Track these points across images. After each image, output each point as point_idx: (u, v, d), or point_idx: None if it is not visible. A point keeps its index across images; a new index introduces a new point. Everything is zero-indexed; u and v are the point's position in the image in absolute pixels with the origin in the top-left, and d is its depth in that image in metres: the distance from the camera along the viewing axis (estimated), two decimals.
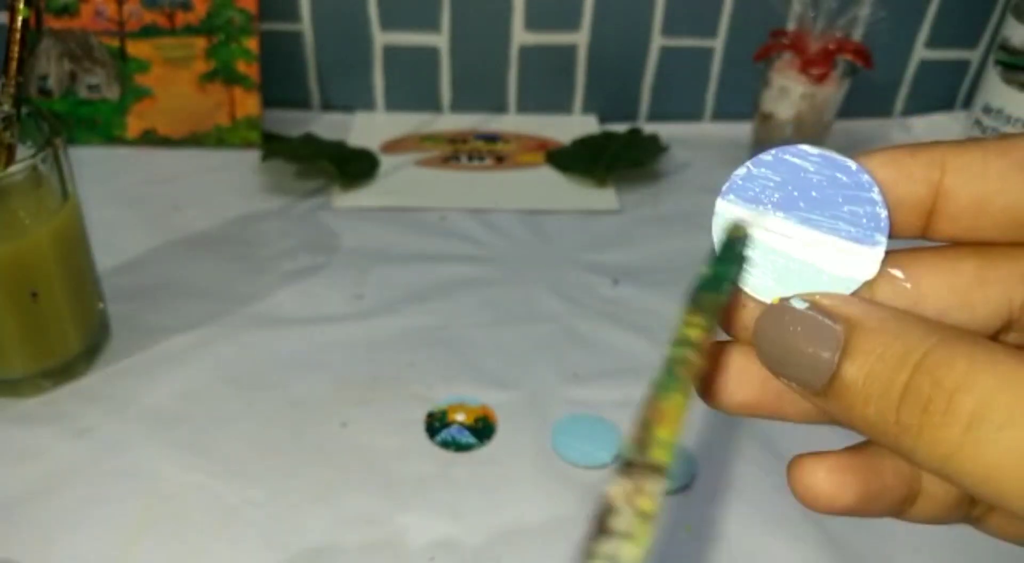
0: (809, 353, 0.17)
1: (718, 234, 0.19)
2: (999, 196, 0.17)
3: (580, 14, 0.69)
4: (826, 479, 0.19)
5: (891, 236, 0.18)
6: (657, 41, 0.71)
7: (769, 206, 0.19)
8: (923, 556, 0.40)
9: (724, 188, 0.19)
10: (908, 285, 0.18)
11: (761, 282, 0.19)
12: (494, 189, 0.65)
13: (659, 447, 0.15)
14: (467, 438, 0.45)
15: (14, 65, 0.41)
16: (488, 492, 0.42)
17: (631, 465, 0.14)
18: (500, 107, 0.73)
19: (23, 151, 0.42)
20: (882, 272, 0.18)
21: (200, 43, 0.64)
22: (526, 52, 0.71)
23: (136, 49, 0.64)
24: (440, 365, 0.49)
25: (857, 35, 0.66)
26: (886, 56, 0.70)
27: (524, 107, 0.73)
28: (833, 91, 0.64)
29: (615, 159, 0.66)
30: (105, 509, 0.41)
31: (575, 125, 0.72)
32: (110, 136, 0.66)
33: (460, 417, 0.46)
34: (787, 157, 0.19)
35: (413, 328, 0.52)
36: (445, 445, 0.44)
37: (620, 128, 0.70)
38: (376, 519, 0.41)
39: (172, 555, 0.39)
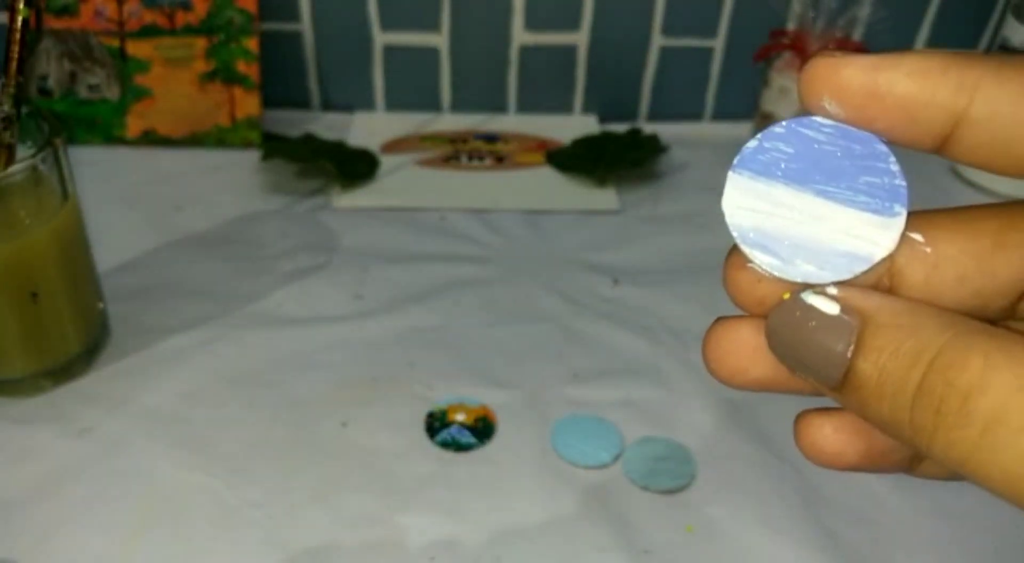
0: (823, 348, 0.17)
1: (728, 210, 0.18)
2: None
3: (580, 14, 0.69)
4: (832, 436, 0.19)
5: (902, 147, 0.17)
6: (657, 41, 0.71)
7: (782, 178, 0.18)
8: (923, 556, 0.40)
9: (735, 161, 0.18)
10: (928, 249, 0.17)
11: (777, 256, 0.18)
12: (494, 189, 0.65)
13: None
14: (467, 438, 0.45)
15: (14, 65, 0.41)
16: (488, 492, 0.42)
17: None
18: (500, 107, 0.73)
19: (23, 151, 0.42)
20: (901, 236, 0.17)
21: (200, 43, 0.64)
22: (526, 52, 0.71)
23: (136, 49, 0.64)
24: (440, 365, 0.49)
25: (857, 35, 0.66)
26: None
27: (524, 107, 0.73)
28: (997, 56, 0.64)
29: (615, 159, 0.66)
30: (105, 509, 0.41)
31: (575, 125, 0.72)
32: (110, 136, 0.66)
33: (460, 417, 0.46)
34: (799, 129, 0.18)
35: (413, 328, 0.52)
36: (445, 445, 0.44)
37: (620, 128, 0.70)
38: (376, 519, 0.41)
39: (172, 555, 0.39)
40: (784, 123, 0.18)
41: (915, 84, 0.16)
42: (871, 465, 0.19)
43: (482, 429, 0.45)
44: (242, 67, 0.65)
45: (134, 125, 0.66)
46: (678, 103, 0.74)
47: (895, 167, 0.17)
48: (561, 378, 0.49)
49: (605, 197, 0.64)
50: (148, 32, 0.64)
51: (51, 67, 0.64)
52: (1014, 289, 0.17)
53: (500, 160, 0.68)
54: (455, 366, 0.49)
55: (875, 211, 0.17)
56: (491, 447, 0.45)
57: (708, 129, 0.73)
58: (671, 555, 0.40)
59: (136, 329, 0.50)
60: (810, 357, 0.17)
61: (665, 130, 0.68)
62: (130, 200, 0.61)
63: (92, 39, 0.64)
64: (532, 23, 0.70)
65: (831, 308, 0.17)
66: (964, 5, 0.71)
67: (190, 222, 0.59)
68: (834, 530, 0.41)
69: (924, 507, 0.42)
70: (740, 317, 0.19)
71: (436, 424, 0.45)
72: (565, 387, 0.48)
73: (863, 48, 0.64)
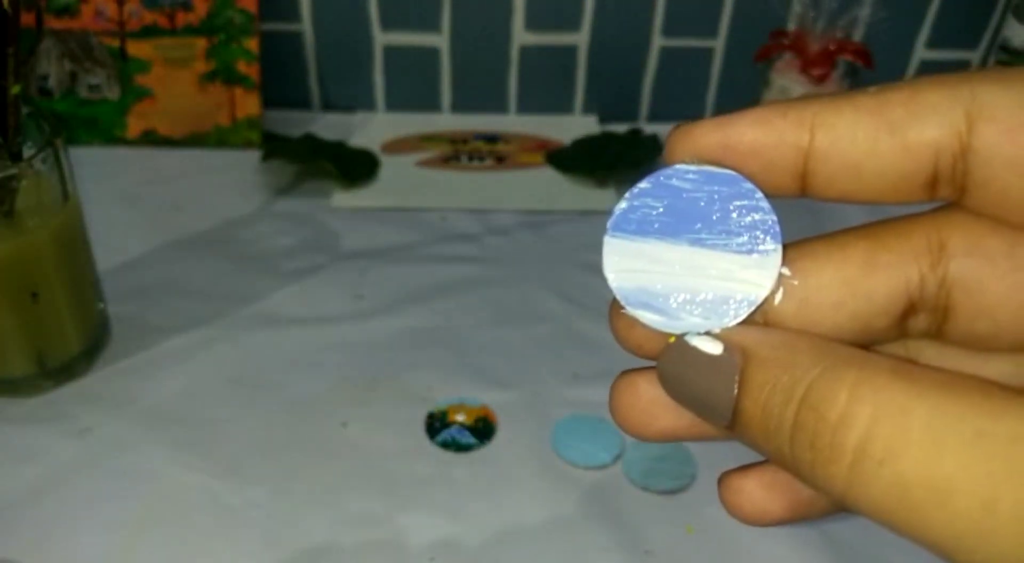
0: (711, 388, 0.17)
1: (609, 274, 0.18)
2: (870, 160, 0.16)
3: (580, 14, 0.69)
4: (754, 494, 0.19)
5: (770, 198, 0.18)
6: (657, 41, 0.71)
7: (656, 234, 0.18)
8: (922, 556, 0.40)
9: (608, 225, 0.18)
10: (795, 282, 0.17)
11: (663, 313, 0.18)
12: (494, 189, 0.65)
13: None
14: (467, 438, 0.45)
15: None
16: (488, 492, 0.42)
17: None
18: (500, 107, 0.73)
19: (23, 151, 0.42)
20: (779, 273, 0.17)
21: (200, 43, 0.64)
22: (526, 52, 0.71)
23: (136, 49, 0.64)
24: (440, 365, 0.49)
25: (858, 35, 0.66)
26: (887, 57, 0.70)
27: (524, 107, 0.73)
28: (834, 91, 0.64)
29: (615, 159, 0.66)
30: (105, 509, 0.41)
31: (575, 125, 0.72)
32: (110, 136, 0.66)
33: (460, 417, 0.46)
34: (666, 181, 0.18)
35: (413, 328, 0.52)
36: (445, 445, 0.44)
37: (620, 128, 0.70)
38: (376, 519, 0.41)
39: (172, 555, 0.39)
40: (650, 177, 0.18)
41: (760, 129, 0.17)
42: (799, 516, 0.19)
43: (482, 429, 0.45)
44: (242, 67, 0.65)
45: (134, 125, 0.66)
46: (678, 103, 0.74)
47: (764, 203, 0.18)
48: (561, 378, 0.49)
49: (605, 197, 0.64)
50: (148, 32, 0.64)
51: (51, 67, 0.64)
52: (892, 309, 0.17)
53: (500, 160, 0.68)
54: (455, 366, 0.49)
55: (750, 251, 0.18)
56: (491, 447, 0.45)
57: None
58: (671, 555, 0.40)
59: (136, 329, 0.50)
60: (702, 398, 0.17)
61: (665, 130, 0.68)
62: (130, 200, 0.61)
63: (92, 39, 0.64)
64: (532, 23, 0.70)
65: (714, 348, 0.17)
66: (964, 5, 0.71)
67: (190, 222, 0.59)
68: (833, 530, 0.41)
69: None
70: (637, 371, 0.19)
71: (436, 424, 0.45)
72: (565, 387, 0.48)
73: (864, 50, 0.64)
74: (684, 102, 0.74)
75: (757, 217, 0.18)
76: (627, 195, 0.18)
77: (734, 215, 0.18)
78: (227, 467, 0.43)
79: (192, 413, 0.46)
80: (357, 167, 0.65)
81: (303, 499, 0.42)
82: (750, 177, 0.18)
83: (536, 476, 0.43)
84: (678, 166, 0.18)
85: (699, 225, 0.18)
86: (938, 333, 0.18)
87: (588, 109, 0.74)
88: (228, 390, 0.47)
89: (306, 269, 0.56)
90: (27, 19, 0.41)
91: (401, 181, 0.65)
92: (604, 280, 0.18)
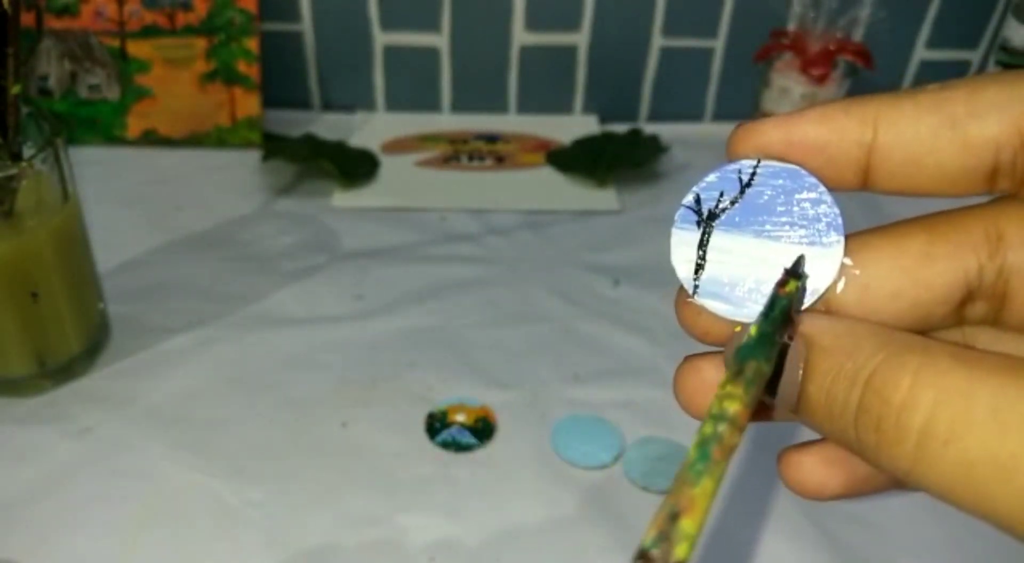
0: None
1: (677, 265, 0.19)
2: (931, 155, 0.17)
3: (580, 14, 0.69)
4: (813, 470, 0.19)
5: (832, 191, 0.18)
6: (657, 41, 0.71)
7: (723, 226, 0.19)
8: (922, 556, 0.40)
9: (676, 217, 0.19)
10: (857, 272, 0.18)
11: (729, 301, 0.19)
12: (494, 189, 0.65)
13: (683, 541, 0.14)
14: (467, 438, 0.45)
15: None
16: (488, 492, 0.42)
17: (648, 559, 0.14)
18: (500, 107, 0.73)
19: (23, 151, 0.42)
20: (841, 264, 0.18)
21: (200, 43, 0.64)
22: (526, 52, 0.71)
23: (136, 49, 0.64)
24: (440, 365, 0.49)
25: (858, 35, 0.66)
26: (887, 56, 0.70)
27: (524, 107, 0.73)
28: (834, 91, 0.64)
29: (615, 159, 0.66)
30: (105, 509, 0.41)
31: (575, 125, 0.72)
32: (110, 136, 0.66)
33: (460, 417, 0.46)
34: (731, 175, 0.19)
35: (413, 328, 0.52)
36: (445, 445, 0.44)
37: (620, 128, 0.70)
38: (376, 519, 0.41)
39: (172, 555, 0.39)
40: (716, 171, 0.19)
41: (823, 127, 0.18)
42: (856, 491, 0.19)
43: (482, 429, 0.45)
44: (242, 67, 0.65)
45: (134, 125, 0.66)
46: (678, 103, 0.74)
47: (827, 195, 0.18)
48: (561, 378, 0.49)
49: (605, 197, 0.64)
50: (148, 32, 0.64)
51: (51, 67, 0.64)
52: (952, 297, 0.18)
53: (500, 160, 0.68)
54: (455, 366, 0.49)
55: (812, 242, 0.18)
56: (491, 447, 0.45)
57: (708, 129, 0.73)
58: None
59: (136, 329, 0.50)
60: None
61: (665, 130, 0.68)
62: (130, 200, 0.61)
63: (92, 39, 0.64)
64: (532, 23, 0.70)
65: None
66: (964, 5, 0.71)
67: (190, 222, 0.60)
68: (834, 530, 0.41)
69: (923, 508, 0.42)
70: (702, 355, 0.20)
71: (436, 424, 0.45)
72: (565, 387, 0.48)
73: (864, 50, 0.64)
74: (684, 102, 0.74)
75: (820, 209, 0.18)
76: (694, 188, 0.19)
77: (797, 208, 0.18)
78: (227, 467, 0.43)
79: (192, 413, 0.46)
80: (357, 167, 0.65)
81: (303, 499, 0.42)
82: (812, 172, 0.18)
83: (536, 476, 0.43)
84: (742, 161, 0.19)
85: (764, 217, 0.18)
86: (995, 320, 0.18)
87: (588, 109, 0.74)
88: (228, 390, 0.47)
89: (306, 269, 0.56)
90: (27, 19, 0.41)
91: (401, 181, 0.65)
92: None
